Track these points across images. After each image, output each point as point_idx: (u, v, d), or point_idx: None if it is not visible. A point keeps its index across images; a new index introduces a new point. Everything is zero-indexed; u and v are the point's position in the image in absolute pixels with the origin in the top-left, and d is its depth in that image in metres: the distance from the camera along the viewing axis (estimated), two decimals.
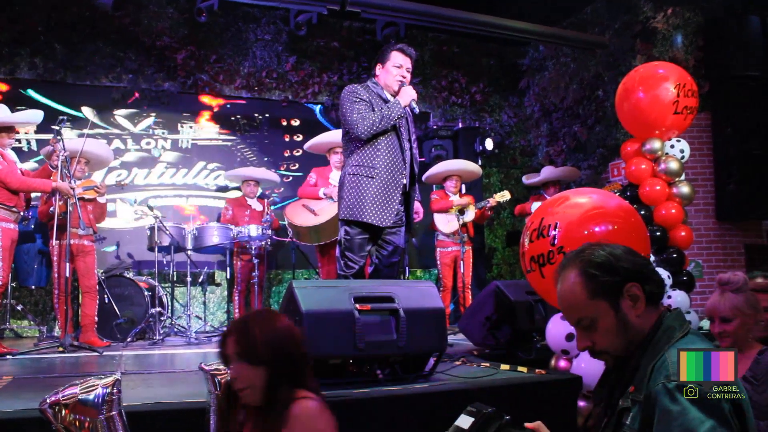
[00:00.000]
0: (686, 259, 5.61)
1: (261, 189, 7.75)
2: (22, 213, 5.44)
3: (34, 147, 7.48)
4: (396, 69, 4.20)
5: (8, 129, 5.46)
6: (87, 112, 7.67)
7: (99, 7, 6.42)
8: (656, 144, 5.56)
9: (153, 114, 8.00)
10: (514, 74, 9.29)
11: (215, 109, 8.27)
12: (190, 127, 8.16)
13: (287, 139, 8.59)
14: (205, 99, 8.23)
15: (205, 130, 8.24)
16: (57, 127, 5.27)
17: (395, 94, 4.21)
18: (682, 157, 5.69)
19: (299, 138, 8.52)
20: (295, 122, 8.62)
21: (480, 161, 8.47)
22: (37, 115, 5.78)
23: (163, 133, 8.05)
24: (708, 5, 7.19)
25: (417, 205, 4.37)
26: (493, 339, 4.70)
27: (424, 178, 7.56)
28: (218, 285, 7.93)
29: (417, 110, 4.19)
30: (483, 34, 7.85)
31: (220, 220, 7.40)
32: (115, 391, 2.03)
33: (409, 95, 4.12)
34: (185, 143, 8.15)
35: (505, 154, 9.38)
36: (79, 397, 1.98)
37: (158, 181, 7.98)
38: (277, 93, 8.40)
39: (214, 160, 8.21)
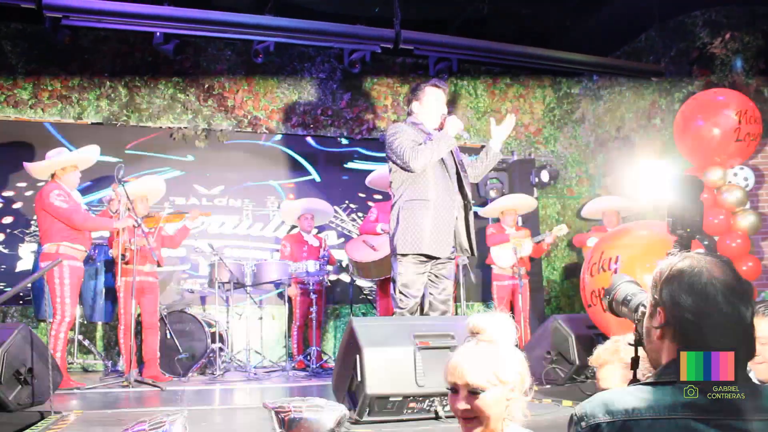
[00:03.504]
0: (755, 291, 5.43)
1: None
2: (88, 252, 5.64)
3: None
4: (435, 102, 4.22)
5: (71, 169, 5.65)
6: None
7: (161, 53, 6.69)
8: (717, 172, 5.43)
9: (222, 185, 8.08)
10: (569, 104, 9.24)
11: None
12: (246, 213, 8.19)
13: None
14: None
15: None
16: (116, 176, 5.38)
17: (437, 129, 4.23)
18: (746, 185, 5.54)
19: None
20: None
21: (536, 193, 8.39)
22: (94, 151, 5.92)
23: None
24: None
25: None
26: (553, 374, 4.63)
27: (480, 213, 7.52)
28: (276, 321, 8.00)
29: (469, 137, 4.23)
30: (536, 67, 7.85)
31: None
32: (182, 428, 2.08)
33: (455, 126, 4.06)
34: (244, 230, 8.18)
35: (561, 185, 9.28)
36: None
37: (219, 230, 8.00)
38: (332, 130, 8.53)
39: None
